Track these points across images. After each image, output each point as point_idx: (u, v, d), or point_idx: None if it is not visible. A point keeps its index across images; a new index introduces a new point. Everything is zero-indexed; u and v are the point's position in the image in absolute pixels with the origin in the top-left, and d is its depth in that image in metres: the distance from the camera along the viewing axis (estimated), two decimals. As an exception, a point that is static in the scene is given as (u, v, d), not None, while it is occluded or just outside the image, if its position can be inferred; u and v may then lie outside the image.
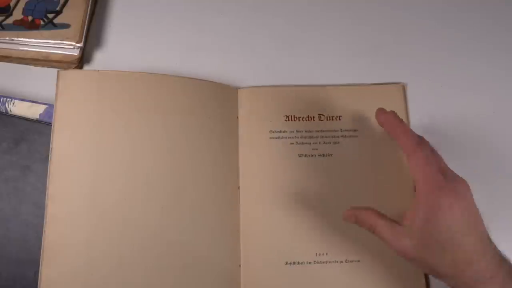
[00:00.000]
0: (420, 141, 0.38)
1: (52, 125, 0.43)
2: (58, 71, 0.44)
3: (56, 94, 0.43)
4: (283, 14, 0.52)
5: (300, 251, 0.43)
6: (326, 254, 0.43)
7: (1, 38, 0.47)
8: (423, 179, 0.36)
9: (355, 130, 0.46)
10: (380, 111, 0.42)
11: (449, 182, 0.36)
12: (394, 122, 0.41)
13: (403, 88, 0.48)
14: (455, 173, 0.38)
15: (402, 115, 0.47)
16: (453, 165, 0.47)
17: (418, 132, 0.46)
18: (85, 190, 0.42)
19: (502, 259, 0.36)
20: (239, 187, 0.44)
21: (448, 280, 0.36)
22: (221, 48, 0.51)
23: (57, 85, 0.44)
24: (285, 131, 0.46)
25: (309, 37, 0.51)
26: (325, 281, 0.42)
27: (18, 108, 0.45)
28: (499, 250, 0.36)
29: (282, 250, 0.43)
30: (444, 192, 0.35)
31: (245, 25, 0.52)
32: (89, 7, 0.49)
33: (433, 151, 0.38)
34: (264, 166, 0.45)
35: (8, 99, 0.46)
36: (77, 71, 0.47)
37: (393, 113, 0.42)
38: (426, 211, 0.35)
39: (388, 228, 0.37)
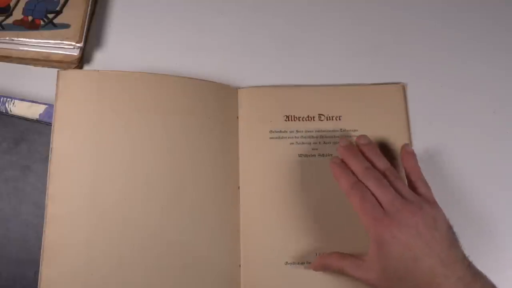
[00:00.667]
0: (354, 182, 0.40)
1: (52, 125, 0.43)
2: (58, 71, 0.44)
3: (56, 94, 0.43)
4: (283, 14, 0.52)
5: (300, 251, 0.43)
6: None
7: (1, 38, 0.47)
8: (363, 217, 0.38)
9: (355, 130, 0.46)
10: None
11: (389, 213, 0.37)
12: (333, 166, 0.42)
13: (403, 88, 0.48)
14: (407, 200, 0.38)
15: (402, 115, 0.47)
16: (452, 165, 0.46)
17: (417, 133, 0.46)
18: (85, 190, 0.42)
19: (475, 278, 0.35)
20: (239, 187, 0.44)
21: None
22: (221, 48, 0.50)
23: (57, 85, 0.44)
24: (285, 131, 0.46)
25: (309, 37, 0.51)
26: (325, 281, 0.42)
27: (18, 108, 0.45)
28: (472, 270, 0.36)
29: (282, 250, 0.43)
30: (383, 225, 0.37)
31: (245, 25, 0.52)
32: (89, 7, 0.49)
33: (378, 183, 0.39)
34: (264, 166, 0.45)
35: (8, 99, 0.46)
36: (77, 71, 0.47)
37: (336, 158, 0.43)
38: (375, 247, 0.37)
39: (353, 266, 0.39)
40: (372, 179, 0.40)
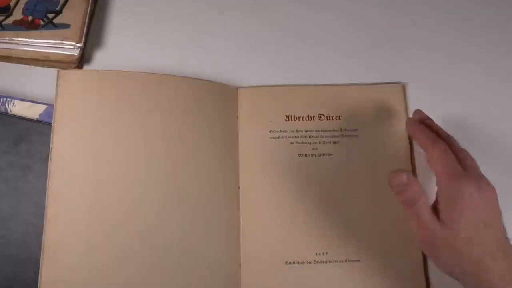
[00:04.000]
0: (437, 139, 0.39)
1: (52, 125, 0.42)
2: (58, 70, 0.44)
3: (56, 94, 0.43)
4: (283, 13, 0.52)
5: (300, 251, 0.43)
6: (326, 253, 0.43)
7: (1, 38, 0.46)
8: (442, 169, 0.37)
9: (355, 130, 0.46)
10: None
11: (470, 173, 0.37)
12: (412, 123, 0.43)
13: (403, 87, 0.48)
14: (481, 173, 0.38)
15: (402, 114, 0.47)
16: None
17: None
18: (86, 190, 0.41)
19: None
20: (239, 187, 0.44)
21: (470, 279, 0.35)
22: (221, 48, 0.50)
23: (57, 84, 0.43)
24: (285, 131, 0.46)
25: (309, 36, 0.51)
26: (325, 281, 0.42)
27: (18, 108, 0.45)
28: None
29: (282, 250, 0.43)
30: (465, 180, 0.36)
31: (245, 24, 0.51)
32: (89, 7, 0.49)
33: (459, 147, 0.40)
34: (264, 166, 0.45)
35: (8, 99, 0.46)
36: (77, 70, 0.47)
37: (412, 119, 0.43)
38: (449, 200, 0.36)
39: (427, 209, 0.37)
40: (453, 144, 0.39)
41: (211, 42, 0.50)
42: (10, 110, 0.45)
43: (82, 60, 0.48)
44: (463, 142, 0.47)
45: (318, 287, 0.42)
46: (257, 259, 0.42)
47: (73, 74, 0.44)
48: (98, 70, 0.45)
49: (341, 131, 0.46)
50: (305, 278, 0.42)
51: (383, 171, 0.44)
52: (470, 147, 0.47)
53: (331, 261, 0.42)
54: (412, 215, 0.38)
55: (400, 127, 0.46)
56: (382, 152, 0.45)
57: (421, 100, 0.48)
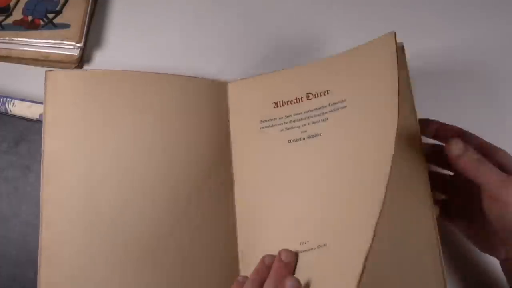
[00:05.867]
0: None
1: (43, 127, 0.41)
2: (45, 71, 0.42)
3: (45, 95, 0.41)
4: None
5: (299, 242, 0.41)
6: (325, 245, 0.39)
7: (1, 38, 0.46)
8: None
9: (343, 101, 0.42)
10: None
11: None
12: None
13: (394, 35, 0.40)
14: None
15: (392, 64, 0.39)
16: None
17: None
18: (80, 191, 0.40)
19: None
20: (233, 181, 0.43)
21: None
22: (220, 45, 0.50)
23: (45, 86, 0.42)
24: (274, 119, 0.43)
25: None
26: (326, 278, 0.41)
27: (18, 108, 0.45)
28: None
29: (280, 243, 0.41)
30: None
31: (240, 20, 0.51)
32: (89, 7, 0.49)
33: None
34: (256, 157, 0.43)
35: (8, 99, 0.45)
36: (65, 71, 0.44)
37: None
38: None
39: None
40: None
41: (209, 38, 0.50)
42: (10, 110, 0.45)
43: (82, 60, 0.48)
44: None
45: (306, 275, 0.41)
46: (255, 253, 0.41)
47: (61, 75, 0.42)
48: (86, 70, 0.44)
49: (329, 106, 0.42)
50: (303, 268, 0.41)
51: (374, 143, 0.39)
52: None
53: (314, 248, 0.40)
54: (484, 171, 0.37)
55: (388, 79, 0.39)
56: (371, 118, 0.40)
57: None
